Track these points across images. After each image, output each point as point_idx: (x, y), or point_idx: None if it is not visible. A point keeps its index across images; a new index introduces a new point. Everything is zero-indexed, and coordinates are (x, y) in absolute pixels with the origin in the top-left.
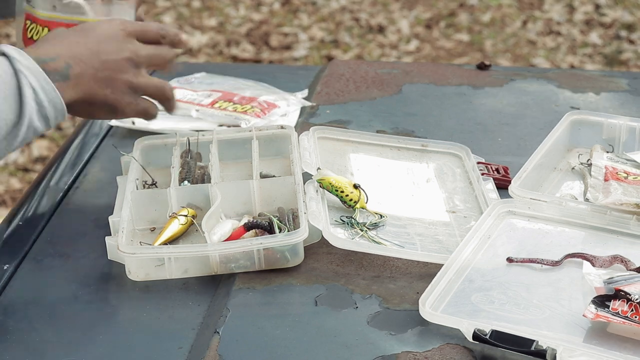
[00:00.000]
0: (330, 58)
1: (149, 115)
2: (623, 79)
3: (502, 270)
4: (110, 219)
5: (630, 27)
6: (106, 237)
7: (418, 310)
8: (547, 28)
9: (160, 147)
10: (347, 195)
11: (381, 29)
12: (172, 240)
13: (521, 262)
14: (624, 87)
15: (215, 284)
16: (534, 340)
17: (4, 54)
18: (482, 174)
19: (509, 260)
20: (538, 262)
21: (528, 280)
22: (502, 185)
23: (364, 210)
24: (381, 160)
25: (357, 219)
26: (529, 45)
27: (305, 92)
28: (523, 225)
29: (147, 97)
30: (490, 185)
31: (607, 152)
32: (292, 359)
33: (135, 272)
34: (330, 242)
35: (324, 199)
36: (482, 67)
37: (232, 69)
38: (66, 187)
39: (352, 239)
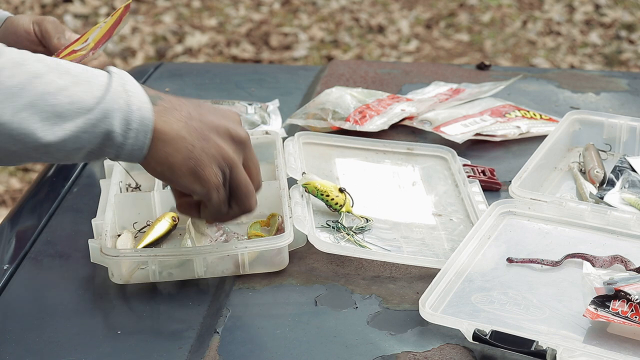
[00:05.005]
0: (330, 58)
1: (218, 212)
2: (623, 79)
3: (502, 271)
4: (93, 221)
5: (630, 27)
6: (89, 240)
7: (418, 310)
8: (547, 28)
9: None
10: (332, 199)
11: (381, 29)
12: (155, 243)
13: (521, 262)
14: (624, 87)
15: (215, 284)
16: (534, 341)
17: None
18: (468, 177)
19: (509, 260)
20: (538, 263)
21: (528, 281)
22: (489, 188)
23: (350, 214)
24: (367, 164)
25: (343, 223)
26: (529, 45)
27: (277, 102)
28: (523, 226)
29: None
30: (476, 187)
31: (603, 151)
32: (292, 359)
33: (118, 275)
34: (315, 247)
35: (309, 203)
36: (482, 67)
37: (232, 69)
38: (66, 187)
39: (338, 243)
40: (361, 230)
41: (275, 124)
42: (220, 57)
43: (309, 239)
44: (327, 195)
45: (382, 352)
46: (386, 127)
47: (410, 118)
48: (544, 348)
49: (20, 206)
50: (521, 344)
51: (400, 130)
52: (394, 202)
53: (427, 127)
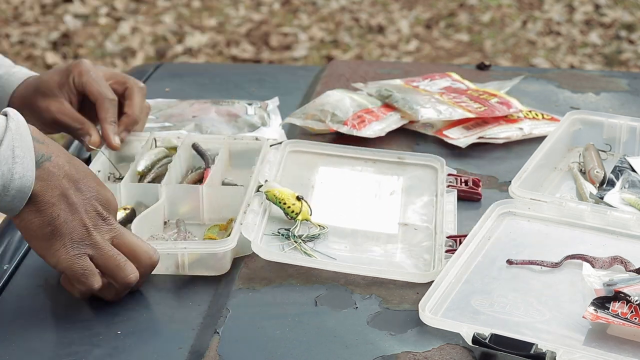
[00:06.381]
0: (330, 58)
1: (81, 282)
2: (623, 79)
3: (501, 273)
4: None
5: (630, 27)
6: None
7: (418, 310)
8: (547, 28)
9: (136, 144)
10: (288, 207)
11: (381, 29)
12: None
13: (521, 264)
14: (624, 87)
15: (215, 284)
16: (534, 344)
17: (5, 115)
18: (448, 186)
19: (509, 262)
20: (538, 264)
21: (528, 283)
22: (468, 197)
23: (308, 222)
24: (351, 172)
25: (294, 231)
26: (529, 45)
27: (277, 101)
28: (523, 226)
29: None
30: (452, 197)
31: (603, 151)
32: (292, 359)
33: None
34: (259, 255)
35: (267, 211)
36: (482, 67)
37: (232, 69)
38: None
39: (283, 251)
40: (312, 238)
41: (275, 124)
42: (220, 57)
43: (252, 247)
44: (284, 203)
45: (382, 352)
46: (383, 134)
47: (411, 122)
48: (544, 351)
49: None
50: (521, 347)
51: (402, 134)
52: (364, 211)
53: (429, 131)
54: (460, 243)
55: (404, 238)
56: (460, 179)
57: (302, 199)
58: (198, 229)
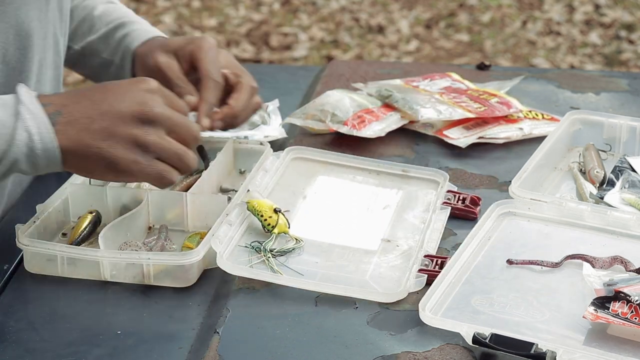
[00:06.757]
0: (330, 58)
1: (164, 182)
2: (623, 79)
3: (502, 272)
4: (38, 206)
5: (630, 27)
6: (16, 225)
7: (418, 310)
8: (547, 28)
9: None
10: (265, 220)
11: (381, 29)
12: (85, 239)
13: (521, 264)
14: (624, 87)
15: (215, 284)
16: (534, 344)
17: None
18: (444, 203)
19: (509, 262)
20: (538, 264)
21: (528, 282)
22: (463, 216)
23: (287, 235)
24: (349, 183)
25: (266, 245)
26: (529, 46)
27: (277, 103)
28: (523, 226)
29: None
30: (443, 215)
31: (603, 151)
32: (292, 359)
33: (30, 264)
34: (223, 269)
35: (245, 222)
36: (482, 67)
37: None
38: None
39: (249, 265)
40: (284, 252)
41: (275, 124)
42: None
43: (216, 260)
44: (262, 216)
45: (382, 352)
46: (383, 134)
47: (411, 122)
48: (544, 350)
49: (19, 206)
50: (521, 347)
51: (402, 134)
52: (349, 225)
53: (429, 131)
54: (437, 264)
55: (382, 255)
56: (459, 196)
57: (280, 211)
58: (182, 236)
